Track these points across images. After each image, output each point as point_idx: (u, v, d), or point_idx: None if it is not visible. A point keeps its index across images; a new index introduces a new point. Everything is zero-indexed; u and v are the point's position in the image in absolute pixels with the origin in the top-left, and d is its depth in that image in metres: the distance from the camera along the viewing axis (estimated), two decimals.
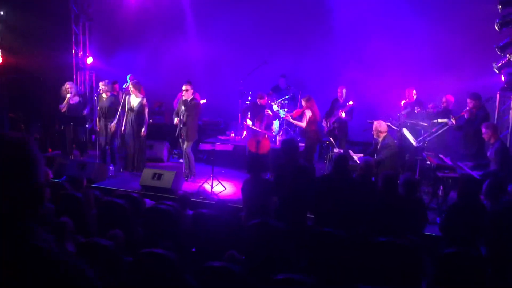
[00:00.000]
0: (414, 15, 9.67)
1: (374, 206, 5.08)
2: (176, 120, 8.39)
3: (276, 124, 9.93)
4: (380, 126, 7.20)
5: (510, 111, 8.35)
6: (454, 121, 7.73)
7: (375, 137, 7.30)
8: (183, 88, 8.32)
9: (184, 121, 8.28)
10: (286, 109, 10.20)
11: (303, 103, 8.61)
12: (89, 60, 11.70)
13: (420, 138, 7.64)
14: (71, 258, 1.45)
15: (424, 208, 5.38)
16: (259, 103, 9.08)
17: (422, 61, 9.78)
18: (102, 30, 12.09)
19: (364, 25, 10.30)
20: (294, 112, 9.32)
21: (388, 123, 7.69)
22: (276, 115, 9.93)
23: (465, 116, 7.74)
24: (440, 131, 7.60)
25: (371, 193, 5.38)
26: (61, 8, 11.17)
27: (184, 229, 5.36)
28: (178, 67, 11.29)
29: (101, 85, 9.16)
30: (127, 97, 8.91)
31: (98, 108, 9.17)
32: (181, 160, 9.40)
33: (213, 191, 7.89)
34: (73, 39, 11.42)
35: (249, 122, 8.96)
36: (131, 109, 8.83)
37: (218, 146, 8.56)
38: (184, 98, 8.38)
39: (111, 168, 9.11)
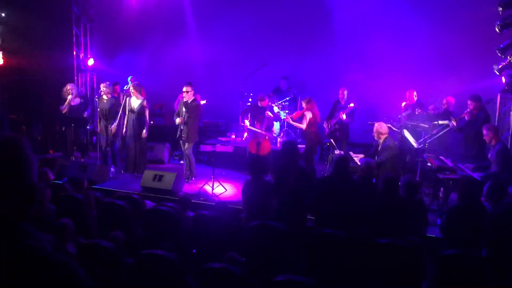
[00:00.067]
0: (415, 17, 9.68)
1: (374, 207, 5.08)
2: (178, 120, 8.39)
3: (276, 125, 9.94)
4: (381, 127, 7.20)
5: (510, 113, 8.35)
6: (454, 123, 7.73)
7: (375, 138, 7.30)
8: (184, 89, 8.33)
9: (185, 122, 8.29)
10: (287, 111, 10.21)
11: (304, 104, 8.62)
12: (90, 61, 11.72)
13: (421, 139, 7.64)
14: (63, 257, 1.47)
15: (425, 210, 5.38)
16: (259, 105, 9.09)
17: (423, 62, 9.79)
18: (103, 31, 12.11)
19: (365, 27, 10.31)
20: (294, 113, 9.33)
21: (389, 125, 7.69)
22: (276, 117, 9.94)
23: (466, 117, 7.74)
24: (441, 132, 7.60)
25: (372, 195, 5.38)
26: (62, 9, 11.19)
27: (184, 231, 5.36)
28: (179, 69, 11.31)
29: (102, 87, 9.18)
30: (127, 98, 8.92)
31: (98, 109, 9.19)
32: (181, 162, 9.41)
33: (213, 193, 7.89)
34: (74, 41, 11.44)
35: (246, 122, 8.95)
36: (131, 110, 8.84)
37: (219, 148, 8.56)
38: (184, 100, 8.39)
39: (112, 169, 9.12)
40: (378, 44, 10.14)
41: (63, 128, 10.00)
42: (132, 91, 8.85)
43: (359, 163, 6.94)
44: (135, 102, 8.86)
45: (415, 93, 9.05)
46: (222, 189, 8.06)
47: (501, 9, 7.64)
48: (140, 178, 8.22)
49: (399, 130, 8.19)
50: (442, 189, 7.02)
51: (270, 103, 9.77)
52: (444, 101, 8.56)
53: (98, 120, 9.26)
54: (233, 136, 11.06)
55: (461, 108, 8.25)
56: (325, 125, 9.38)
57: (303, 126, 8.58)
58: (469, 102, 7.72)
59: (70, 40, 11.37)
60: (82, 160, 9.76)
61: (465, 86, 8.98)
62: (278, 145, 9.45)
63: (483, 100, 7.78)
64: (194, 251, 5.23)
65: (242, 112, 10.19)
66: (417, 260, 4.30)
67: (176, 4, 11.72)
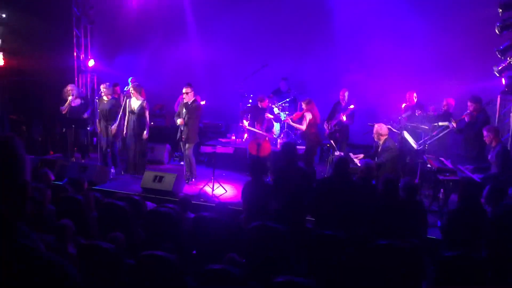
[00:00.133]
0: (415, 18, 9.69)
1: (374, 208, 5.08)
2: (179, 121, 8.38)
3: (277, 126, 9.94)
4: (381, 129, 7.20)
5: (510, 114, 8.35)
6: (454, 124, 7.74)
7: (375, 140, 7.31)
8: (183, 91, 8.34)
9: (186, 123, 8.29)
10: (287, 112, 10.21)
11: (303, 106, 8.63)
12: (91, 62, 11.73)
13: (421, 141, 7.64)
14: (56, 257, 1.49)
15: (424, 212, 5.38)
16: (260, 106, 9.09)
17: (423, 64, 9.80)
18: (103, 32, 12.12)
19: (365, 29, 10.32)
20: (294, 115, 9.34)
21: (389, 126, 7.69)
22: (277, 118, 9.94)
23: (466, 119, 7.75)
24: (441, 134, 7.60)
25: (372, 196, 5.39)
26: (63, 10, 11.20)
27: (184, 232, 5.36)
28: (179, 70, 11.32)
29: (102, 88, 9.19)
30: (128, 99, 8.93)
31: (99, 110, 9.19)
32: (182, 163, 9.41)
33: (213, 194, 7.89)
34: (74, 42, 11.45)
35: (245, 123, 8.94)
36: (132, 111, 8.85)
37: (219, 149, 8.57)
38: (185, 101, 8.39)
39: (112, 170, 9.13)
40: (378, 45, 10.15)
41: (64, 129, 10.01)
42: (132, 92, 8.85)
43: (359, 164, 6.96)
44: (135, 103, 8.87)
45: (415, 94, 9.05)
46: (222, 190, 8.07)
47: (501, 10, 7.65)
48: (140, 179, 8.22)
49: (399, 132, 8.19)
50: (442, 190, 7.03)
51: (270, 104, 9.77)
52: (444, 103, 8.57)
53: (98, 121, 9.26)
54: (233, 137, 11.07)
55: (461, 109, 8.25)
56: (325, 126, 9.39)
57: (303, 127, 8.59)
58: (469, 103, 7.73)
59: (71, 41, 11.38)
60: (83, 161, 9.77)
61: (465, 88, 8.98)
62: (278, 146, 9.45)
63: (483, 101, 7.78)
64: (194, 252, 5.23)
65: (241, 113, 10.19)
66: (417, 261, 4.31)
67: (176, 5, 11.74)
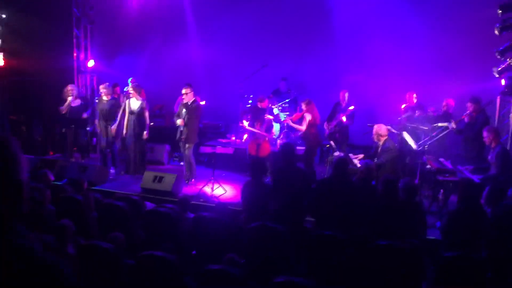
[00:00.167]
0: (415, 19, 9.70)
1: (374, 209, 5.09)
2: (179, 122, 8.38)
3: (276, 127, 9.94)
4: (381, 129, 7.21)
5: (510, 115, 8.36)
6: (454, 125, 7.74)
7: (375, 140, 7.31)
8: (183, 91, 8.34)
9: (185, 123, 8.29)
10: (287, 113, 10.21)
11: (303, 106, 8.63)
12: (90, 63, 11.74)
13: (421, 141, 7.64)
14: (51, 256, 1.49)
15: (423, 213, 5.39)
16: (259, 106, 9.09)
17: (423, 65, 9.81)
18: (103, 33, 12.13)
19: (365, 29, 10.33)
20: (294, 115, 9.34)
21: (389, 127, 7.69)
22: (276, 119, 9.94)
23: (465, 120, 7.76)
24: (441, 135, 7.60)
25: (371, 196, 5.39)
26: (63, 11, 11.21)
27: (184, 232, 5.36)
28: (179, 70, 11.32)
29: (101, 88, 9.19)
30: (127, 100, 8.93)
31: (98, 110, 9.18)
32: (181, 163, 9.42)
33: (213, 194, 7.90)
34: (74, 42, 11.45)
35: (245, 123, 8.94)
36: (131, 112, 8.85)
37: (219, 149, 8.58)
38: (184, 101, 8.40)
39: (112, 171, 9.13)
40: (378, 45, 10.15)
41: (63, 129, 10.01)
42: (132, 92, 8.86)
43: (358, 165, 6.96)
44: (134, 103, 8.87)
45: (415, 95, 9.06)
46: (222, 191, 8.07)
47: (500, 11, 7.65)
48: (140, 180, 8.23)
49: (398, 132, 8.19)
50: (441, 191, 7.03)
51: (270, 105, 9.77)
52: (444, 103, 8.57)
53: (97, 121, 9.26)
54: (233, 138, 11.07)
55: (461, 110, 8.26)
56: (325, 126, 9.40)
57: (303, 128, 8.59)
58: (468, 104, 7.73)
59: (71, 42, 11.38)
60: (82, 161, 9.77)
61: (465, 88, 8.99)
62: (278, 146, 9.45)
63: (482, 102, 7.79)
64: (194, 252, 5.23)
65: (241, 113, 10.17)
66: (417, 261, 4.31)
67: (176, 6, 11.74)
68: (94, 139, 10.74)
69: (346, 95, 9.34)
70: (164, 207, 5.61)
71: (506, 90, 7.92)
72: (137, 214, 5.67)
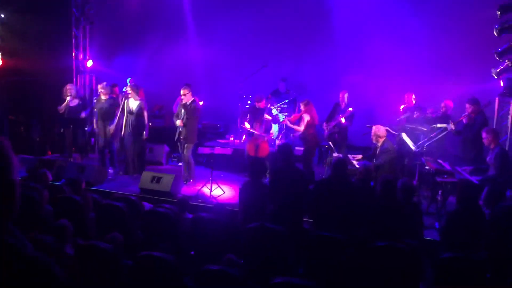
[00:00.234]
0: (414, 20, 9.70)
1: (372, 210, 5.09)
2: (178, 122, 8.37)
3: (275, 128, 9.94)
4: (379, 130, 7.21)
5: (509, 116, 8.37)
6: (453, 126, 7.75)
7: (374, 141, 7.31)
8: (181, 92, 8.33)
9: (184, 124, 8.28)
10: (285, 113, 10.21)
11: (302, 107, 8.64)
12: (89, 63, 11.73)
13: (419, 143, 7.65)
14: (41, 255, 1.50)
15: (421, 213, 5.40)
16: (257, 106, 9.09)
17: (422, 66, 9.81)
18: (102, 33, 12.11)
19: (364, 30, 10.33)
20: (292, 116, 9.34)
21: (387, 128, 7.69)
22: (275, 119, 9.94)
23: (464, 121, 7.76)
24: (439, 136, 7.60)
25: (370, 197, 5.39)
26: (62, 11, 11.19)
27: (182, 232, 5.36)
28: (178, 70, 11.32)
29: (100, 88, 9.17)
30: (126, 100, 8.92)
31: (97, 110, 9.16)
32: (180, 164, 9.41)
33: (212, 195, 7.89)
34: (73, 42, 11.43)
35: (247, 125, 8.93)
36: (130, 112, 8.84)
37: (217, 150, 8.57)
38: (183, 102, 8.39)
39: (110, 171, 9.12)
40: (377, 46, 10.16)
41: (62, 129, 10.00)
42: (130, 92, 8.85)
43: (357, 166, 6.97)
44: (133, 103, 8.87)
45: (413, 96, 9.06)
46: (221, 191, 8.06)
47: (499, 13, 7.67)
48: (139, 180, 8.22)
49: (397, 133, 8.20)
50: (440, 192, 7.03)
51: (269, 105, 9.77)
52: (443, 104, 8.57)
53: (96, 121, 9.23)
54: (232, 138, 11.06)
55: (459, 111, 8.27)
56: (324, 126, 9.39)
57: (301, 128, 8.60)
58: (467, 105, 7.74)
59: (70, 42, 11.36)
60: (81, 161, 9.75)
61: (464, 90, 9.00)
62: (277, 147, 9.45)
63: (481, 103, 7.80)
64: (192, 252, 5.23)
65: (241, 114, 10.14)
66: (415, 262, 4.31)
67: (176, 6, 11.74)
68: (93, 139, 10.73)
69: (346, 96, 9.34)
70: (163, 208, 5.60)
71: (505, 91, 7.93)
72: (136, 215, 5.66)
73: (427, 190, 7.67)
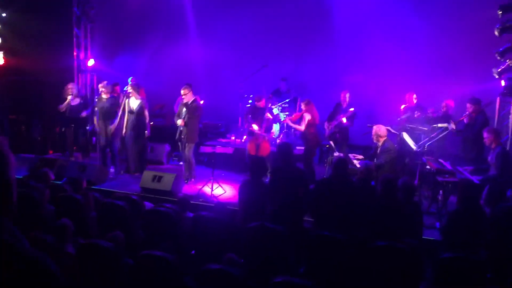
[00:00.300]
0: (415, 20, 9.70)
1: (373, 209, 5.09)
2: (180, 122, 8.37)
3: (276, 127, 9.95)
4: (380, 130, 7.21)
5: (510, 116, 8.35)
6: (454, 126, 7.75)
7: (374, 141, 7.31)
8: (182, 92, 8.33)
9: (186, 123, 8.29)
10: (286, 113, 10.22)
11: (303, 106, 8.64)
12: (91, 62, 11.74)
13: (420, 142, 7.65)
14: (36, 252, 1.50)
15: (421, 213, 5.40)
16: (257, 106, 9.09)
17: (423, 65, 9.81)
18: (103, 32, 12.13)
19: (365, 30, 10.34)
20: (293, 115, 9.35)
21: (388, 127, 7.70)
22: (276, 119, 9.94)
23: (465, 120, 7.76)
24: (440, 135, 7.60)
25: (371, 197, 5.39)
26: (63, 10, 11.20)
27: (183, 232, 5.37)
28: (179, 70, 11.33)
29: (100, 87, 9.17)
30: (127, 99, 8.92)
31: (98, 109, 9.16)
32: (181, 163, 9.41)
33: (212, 194, 7.90)
34: (74, 41, 11.44)
35: (255, 127, 8.85)
36: (131, 111, 8.85)
37: (219, 149, 8.58)
38: (184, 101, 8.39)
39: (111, 170, 9.13)
40: (378, 46, 10.16)
41: (63, 129, 10.01)
42: (130, 91, 8.85)
43: (358, 166, 6.97)
44: (134, 102, 8.87)
45: (414, 95, 9.06)
46: (222, 191, 8.07)
47: (500, 13, 7.66)
48: (140, 179, 8.23)
49: (398, 133, 8.20)
50: (441, 192, 7.03)
51: (270, 104, 9.77)
52: (444, 104, 8.57)
53: (97, 120, 9.23)
54: (233, 138, 11.07)
55: (460, 111, 8.26)
56: (325, 126, 9.39)
57: (302, 127, 8.60)
58: (468, 105, 7.74)
59: (71, 41, 11.37)
60: (82, 160, 9.76)
61: (465, 89, 9.00)
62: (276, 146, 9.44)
63: (482, 103, 7.80)
64: (193, 252, 5.24)
65: (244, 115, 10.04)
66: (415, 262, 4.31)
67: (177, 5, 11.75)
68: (94, 138, 10.75)
69: (347, 95, 9.33)
70: (164, 207, 5.61)
71: (506, 91, 7.92)
72: (137, 214, 5.67)
73: (428, 189, 7.66)
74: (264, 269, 4.32)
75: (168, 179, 7.88)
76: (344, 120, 9.12)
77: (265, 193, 5.58)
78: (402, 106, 9.15)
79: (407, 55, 9.93)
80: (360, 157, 7.51)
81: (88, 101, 10.59)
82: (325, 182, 6.07)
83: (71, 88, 9.60)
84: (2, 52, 10.72)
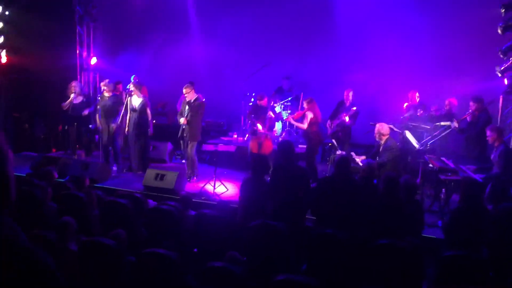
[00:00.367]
0: (418, 18, 9.68)
1: (375, 208, 5.09)
2: (182, 120, 8.37)
3: (278, 125, 9.94)
4: (382, 128, 7.21)
5: None
6: (456, 124, 7.73)
7: (377, 139, 7.31)
8: (184, 91, 8.34)
9: (188, 121, 8.29)
10: (289, 111, 10.22)
11: (305, 105, 8.64)
12: (93, 60, 11.76)
13: (423, 141, 7.64)
14: (33, 246, 1.51)
15: (422, 211, 5.40)
16: (259, 104, 9.09)
17: (426, 64, 9.79)
18: (106, 31, 12.14)
19: (368, 28, 10.31)
20: (295, 113, 9.34)
21: (391, 126, 7.69)
22: (278, 117, 9.94)
23: (468, 119, 7.74)
24: (443, 134, 7.59)
25: (373, 195, 5.39)
26: (66, 8, 11.22)
27: (186, 230, 5.38)
28: (182, 68, 11.33)
29: (102, 85, 9.19)
30: (129, 97, 8.94)
31: (100, 107, 9.18)
32: (183, 161, 9.42)
33: (215, 192, 7.91)
34: (77, 40, 11.47)
35: (259, 126, 8.84)
36: (133, 109, 8.86)
37: (221, 147, 8.60)
38: (187, 99, 8.40)
39: (114, 168, 9.14)
40: (380, 44, 10.14)
41: (66, 127, 10.03)
42: (132, 89, 8.86)
43: (360, 164, 6.97)
44: (136, 101, 8.88)
45: (417, 94, 9.05)
46: (224, 189, 8.08)
47: (503, 11, 7.65)
48: (142, 177, 8.24)
49: (400, 131, 8.19)
50: (443, 190, 7.02)
51: (272, 103, 9.77)
52: (447, 102, 8.55)
53: (99, 118, 9.24)
54: (235, 136, 11.07)
55: (463, 109, 8.24)
56: (328, 124, 9.39)
57: (304, 126, 8.60)
58: (471, 103, 7.72)
59: (73, 39, 11.40)
60: (85, 158, 9.79)
61: (468, 88, 8.98)
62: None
63: (485, 101, 7.77)
64: (195, 250, 5.24)
65: (247, 114, 10.03)
66: (416, 260, 4.31)
67: (179, 4, 11.75)
68: (97, 136, 10.77)
69: (350, 94, 9.30)
70: (167, 205, 5.62)
71: (509, 89, 7.92)
72: (140, 212, 5.68)
73: (431, 188, 7.66)
74: (266, 267, 4.32)
75: (170, 177, 7.90)
76: (347, 119, 9.11)
77: (266, 191, 5.58)
78: (405, 104, 9.14)
79: (410, 53, 9.91)
80: (363, 157, 7.49)
81: (90, 99, 10.61)
82: (327, 181, 6.06)
83: (75, 86, 9.62)
84: (5, 50, 10.74)
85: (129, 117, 8.90)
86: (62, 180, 7.43)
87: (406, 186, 5.20)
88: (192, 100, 8.35)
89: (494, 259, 4.62)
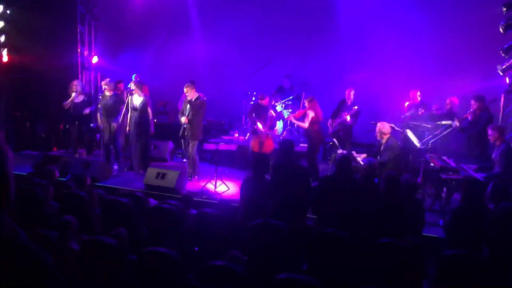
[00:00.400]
0: (419, 17, 9.67)
1: (376, 207, 5.09)
2: (183, 119, 8.38)
3: (279, 124, 9.94)
4: (384, 127, 7.20)
5: None
6: (458, 123, 7.72)
7: (378, 138, 7.31)
8: (184, 90, 8.34)
9: (190, 120, 8.30)
10: (290, 110, 10.21)
11: (306, 103, 8.63)
12: (95, 59, 11.75)
13: (424, 140, 7.63)
14: (33, 245, 1.51)
15: (423, 211, 5.39)
16: (260, 104, 9.09)
17: (427, 62, 9.78)
18: (107, 29, 12.15)
19: (369, 27, 10.31)
20: (296, 112, 9.33)
21: (392, 125, 7.68)
22: (280, 116, 9.93)
23: (469, 118, 7.73)
24: (444, 133, 7.59)
25: (374, 194, 5.39)
26: (67, 7, 11.23)
27: (187, 228, 5.38)
28: (183, 67, 11.34)
29: (103, 84, 9.19)
30: (130, 96, 8.94)
31: (101, 106, 9.18)
32: (184, 160, 9.43)
33: (216, 191, 7.91)
34: (78, 39, 11.46)
35: (260, 125, 8.85)
36: (134, 108, 8.86)
37: (222, 146, 8.59)
38: (188, 98, 8.41)
39: (115, 167, 9.15)
40: (381, 43, 10.14)
41: (67, 126, 10.04)
42: (133, 88, 8.87)
43: (361, 163, 6.96)
44: (137, 100, 8.88)
45: (418, 93, 9.04)
46: (225, 188, 8.08)
47: (505, 9, 7.64)
48: (143, 176, 8.25)
49: (402, 130, 8.19)
50: (444, 189, 7.02)
51: (273, 102, 9.76)
52: (448, 101, 8.54)
53: (100, 117, 9.25)
54: (236, 135, 11.07)
55: (465, 108, 8.24)
56: (329, 123, 9.38)
57: (305, 124, 8.60)
58: (472, 102, 7.71)
59: (75, 38, 11.39)
60: (86, 157, 9.80)
61: (469, 87, 8.97)
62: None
63: (486, 100, 7.76)
64: (196, 248, 5.25)
65: (248, 113, 10.01)
66: (417, 259, 4.31)
67: (180, 3, 11.76)
68: (98, 135, 10.78)
69: (352, 93, 9.27)
70: (168, 204, 5.62)
71: (510, 88, 7.90)
72: (141, 211, 5.69)
73: (432, 187, 7.65)
74: (267, 266, 4.33)
75: (172, 176, 7.90)
76: (348, 118, 9.09)
77: (267, 190, 5.58)
78: (406, 103, 9.14)
79: (411, 52, 9.90)
80: (364, 155, 7.48)
81: (92, 98, 10.62)
82: (329, 180, 6.05)
83: (76, 85, 9.63)
84: (6, 49, 10.75)
85: (130, 116, 8.90)
86: (63, 179, 7.44)
87: (407, 185, 5.20)
88: (193, 99, 8.35)
89: (495, 258, 4.62)
